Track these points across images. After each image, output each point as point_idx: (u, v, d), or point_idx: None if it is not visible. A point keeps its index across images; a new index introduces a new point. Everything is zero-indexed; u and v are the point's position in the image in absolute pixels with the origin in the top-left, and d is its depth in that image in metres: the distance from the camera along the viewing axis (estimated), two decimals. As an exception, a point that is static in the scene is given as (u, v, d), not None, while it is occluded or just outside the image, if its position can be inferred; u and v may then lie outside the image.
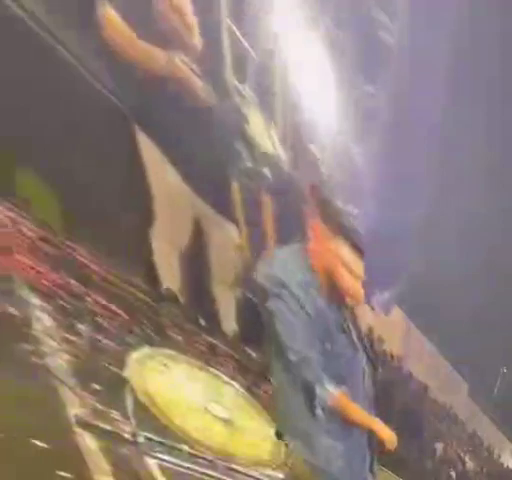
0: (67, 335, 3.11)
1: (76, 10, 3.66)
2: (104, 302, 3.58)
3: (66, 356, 2.99)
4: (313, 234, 2.79)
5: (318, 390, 2.78)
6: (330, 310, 2.83)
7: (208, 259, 4.37)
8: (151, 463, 2.80)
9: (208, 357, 4.01)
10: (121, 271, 3.86)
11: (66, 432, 2.66)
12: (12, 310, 2.93)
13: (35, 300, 3.12)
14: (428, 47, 6.38)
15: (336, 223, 2.76)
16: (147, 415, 3.02)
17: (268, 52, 4.94)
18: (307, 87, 5.15)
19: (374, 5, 6.01)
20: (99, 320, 3.50)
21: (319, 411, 2.83)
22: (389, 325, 7.15)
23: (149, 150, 3.99)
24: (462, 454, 8.64)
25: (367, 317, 6.67)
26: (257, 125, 4.79)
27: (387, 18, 6.09)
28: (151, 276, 4.08)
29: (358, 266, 2.82)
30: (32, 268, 3.26)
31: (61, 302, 3.26)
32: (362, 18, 5.85)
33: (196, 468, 2.97)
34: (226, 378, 3.87)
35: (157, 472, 2.79)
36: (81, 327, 3.30)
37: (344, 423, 2.88)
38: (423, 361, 7.85)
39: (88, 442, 2.66)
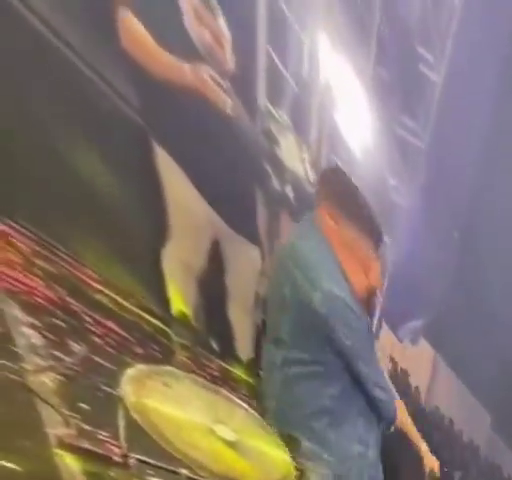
0: (57, 353, 2.47)
1: (94, 16, 2.84)
2: (105, 322, 2.87)
3: (52, 374, 2.37)
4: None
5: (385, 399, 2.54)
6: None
7: (226, 282, 3.59)
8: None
9: (220, 382, 3.30)
10: (128, 291, 3.09)
11: (44, 454, 2.11)
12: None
13: (21, 316, 2.48)
14: (471, 84, 5.55)
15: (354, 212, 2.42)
16: (141, 436, 2.33)
17: (307, 81, 4.12)
18: (345, 118, 4.32)
19: (418, 42, 5.11)
20: (97, 340, 2.80)
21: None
22: (417, 358, 6.34)
23: (167, 166, 3.20)
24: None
25: (395, 349, 5.85)
26: (289, 149, 3.97)
27: (431, 55, 5.19)
28: (161, 297, 3.30)
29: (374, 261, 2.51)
30: (23, 283, 2.57)
31: (54, 320, 2.60)
32: (405, 53, 4.97)
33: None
34: (237, 400, 3.02)
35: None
36: (75, 346, 2.62)
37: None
38: (449, 393, 6.96)
39: (69, 464, 2.12)
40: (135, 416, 2.27)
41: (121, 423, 2.24)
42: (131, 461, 2.19)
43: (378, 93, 4.59)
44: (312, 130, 4.16)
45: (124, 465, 2.18)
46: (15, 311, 2.47)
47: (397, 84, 4.83)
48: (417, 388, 6.27)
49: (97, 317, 2.84)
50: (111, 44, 2.88)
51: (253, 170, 3.69)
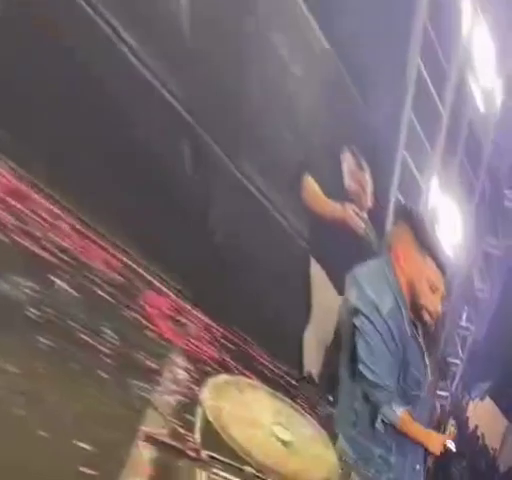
0: (193, 386, 2.56)
1: (285, 176, 3.55)
2: (250, 376, 2.96)
3: (178, 397, 2.49)
4: (401, 249, 2.22)
5: (384, 408, 2.21)
6: (413, 337, 2.23)
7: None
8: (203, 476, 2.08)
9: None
10: (275, 358, 3.49)
11: (124, 444, 2.12)
12: (149, 363, 2.48)
13: (180, 361, 2.70)
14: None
15: (426, 241, 2.20)
16: (215, 436, 2.22)
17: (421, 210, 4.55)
18: (446, 236, 4.68)
19: (506, 186, 5.52)
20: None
21: (379, 425, 2.25)
22: (489, 420, 6.35)
23: (318, 274, 3.75)
24: None
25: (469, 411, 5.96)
26: None
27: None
28: (298, 363, 3.76)
29: (441, 284, 2.22)
30: (200, 349, 2.93)
31: (207, 368, 2.78)
32: (496, 194, 5.31)
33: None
34: (301, 410, 2.83)
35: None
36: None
37: (401, 441, 2.28)
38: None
39: (141, 451, 2.10)
40: (210, 417, 2.14)
41: (198, 422, 2.14)
42: (203, 456, 2.03)
43: (472, 220, 4.91)
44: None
45: (194, 458, 2.02)
46: (178, 359, 2.72)
47: (486, 214, 5.13)
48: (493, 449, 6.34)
49: (245, 372, 3.03)
50: (295, 194, 3.55)
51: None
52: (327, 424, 3.04)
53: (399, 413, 2.21)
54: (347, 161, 3.67)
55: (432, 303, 2.20)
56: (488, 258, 5.33)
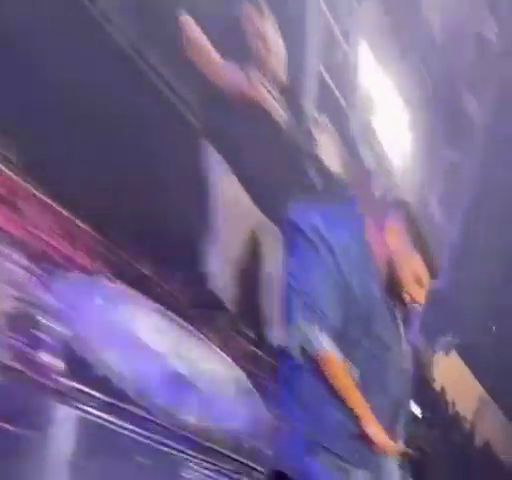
0: (36, 291, 2.10)
1: (159, 23, 2.71)
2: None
3: (17, 304, 2.02)
4: (391, 232, 2.04)
5: (304, 326, 1.88)
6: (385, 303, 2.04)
7: (261, 269, 3.17)
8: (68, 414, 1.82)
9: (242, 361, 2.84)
10: (162, 269, 2.75)
11: None
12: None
13: (17, 257, 2.10)
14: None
15: (421, 244, 2.07)
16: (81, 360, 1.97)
17: (351, 96, 3.79)
18: (384, 134, 3.93)
19: (465, 89, 4.82)
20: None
21: (295, 350, 1.89)
22: (458, 379, 5.67)
23: (215, 163, 2.94)
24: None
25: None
26: (329, 149, 3.63)
27: (475, 100, 4.87)
28: (194, 279, 2.92)
29: (427, 283, 2.10)
30: (45, 241, 2.25)
31: (58, 269, 2.20)
32: (453, 96, 4.62)
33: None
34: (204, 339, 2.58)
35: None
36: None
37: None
38: (489, 418, 6.13)
39: None
40: (68, 332, 1.99)
41: (54, 342, 1.94)
42: (63, 386, 1.81)
43: (422, 118, 4.17)
44: (350, 132, 3.78)
45: (55, 390, 1.82)
46: (14, 254, 2.13)
47: (441, 116, 4.40)
48: (465, 418, 5.69)
49: (117, 280, 2.46)
50: (176, 48, 2.71)
51: (293, 166, 3.36)
52: (246, 364, 2.78)
53: (326, 345, 1.89)
54: (242, 5, 2.91)
55: (416, 292, 2.10)
56: (446, 179, 4.53)
